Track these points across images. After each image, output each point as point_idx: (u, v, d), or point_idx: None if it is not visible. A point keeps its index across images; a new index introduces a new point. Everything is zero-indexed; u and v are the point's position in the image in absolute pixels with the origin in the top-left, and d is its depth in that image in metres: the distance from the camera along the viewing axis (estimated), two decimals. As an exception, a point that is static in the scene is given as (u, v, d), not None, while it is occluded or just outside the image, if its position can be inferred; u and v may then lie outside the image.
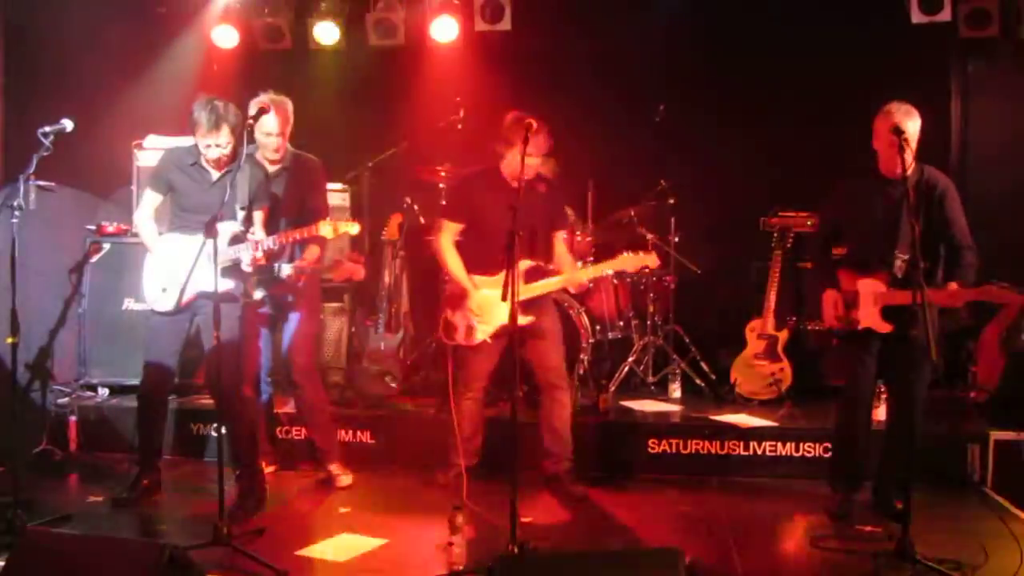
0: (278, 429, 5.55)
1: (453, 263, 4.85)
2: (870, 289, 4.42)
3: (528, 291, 4.63)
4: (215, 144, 4.46)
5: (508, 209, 4.03)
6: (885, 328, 4.38)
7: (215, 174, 4.59)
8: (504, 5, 6.87)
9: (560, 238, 5.00)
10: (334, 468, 5.14)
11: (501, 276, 3.99)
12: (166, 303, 4.59)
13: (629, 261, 4.76)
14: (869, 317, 4.42)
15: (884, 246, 4.41)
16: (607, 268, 4.95)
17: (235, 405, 4.63)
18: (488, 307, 4.73)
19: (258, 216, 4.62)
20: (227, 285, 4.48)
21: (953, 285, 4.26)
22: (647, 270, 5.09)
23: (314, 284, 5.14)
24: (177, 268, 4.48)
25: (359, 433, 5.55)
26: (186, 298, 4.44)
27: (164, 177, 4.67)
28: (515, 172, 4.44)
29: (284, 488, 5.08)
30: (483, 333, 4.74)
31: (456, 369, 4.85)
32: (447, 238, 4.88)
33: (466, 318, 4.79)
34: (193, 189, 4.61)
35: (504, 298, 3.89)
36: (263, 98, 4.72)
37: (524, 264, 4.62)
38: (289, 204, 4.86)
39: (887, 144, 4.28)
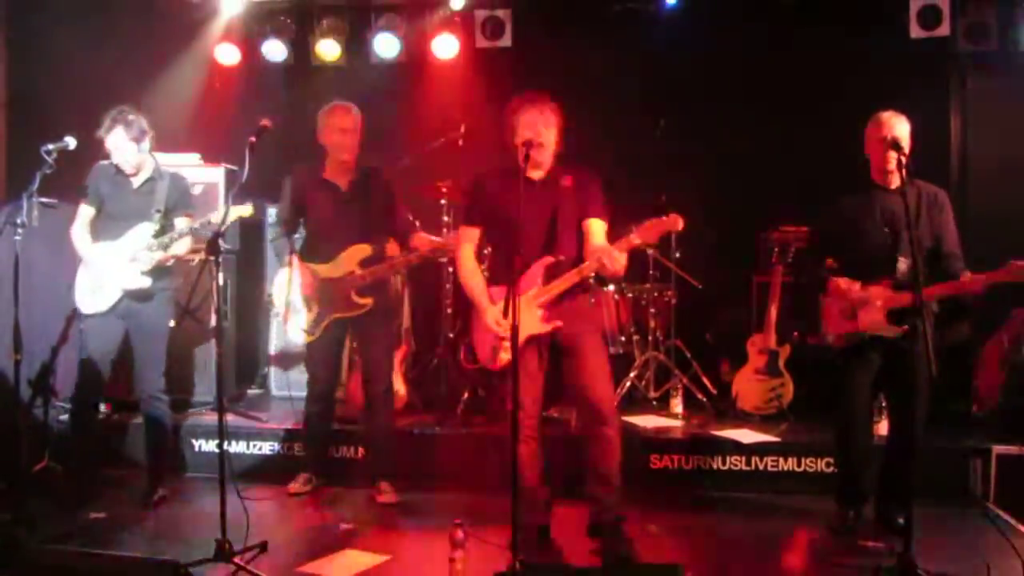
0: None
1: (466, 276, 4.28)
2: (873, 295, 4.40)
3: (548, 291, 4.09)
4: (112, 149, 4.75)
5: (524, 205, 3.79)
6: (895, 331, 4.34)
7: (135, 181, 4.86)
8: (505, 22, 6.91)
9: (594, 226, 4.15)
10: (384, 486, 5.10)
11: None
12: (95, 305, 4.84)
13: (652, 229, 3.95)
14: (874, 323, 4.40)
15: (885, 253, 4.42)
16: (635, 239, 3.95)
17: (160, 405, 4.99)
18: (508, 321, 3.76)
19: (180, 221, 4.85)
20: (147, 283, 4.81)
21: (967, 274, 4.23)
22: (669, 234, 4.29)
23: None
24: (103, 272, 4.82)
25: (361, 449, 5.53)
26: (113, 299, 4.80)
27: (94, 189, 4.92)
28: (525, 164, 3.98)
29: (287, 505, 5.08)
30: (508, 352, 3.94)
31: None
32: (466, 249, 4.33)
33: (487, 338, 4.19)
34: (117, 195, 4.87)
35: (505, 307, 3.63)
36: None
37: (542, 262, 4.10)
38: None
39: (880, 151, 4.34)
